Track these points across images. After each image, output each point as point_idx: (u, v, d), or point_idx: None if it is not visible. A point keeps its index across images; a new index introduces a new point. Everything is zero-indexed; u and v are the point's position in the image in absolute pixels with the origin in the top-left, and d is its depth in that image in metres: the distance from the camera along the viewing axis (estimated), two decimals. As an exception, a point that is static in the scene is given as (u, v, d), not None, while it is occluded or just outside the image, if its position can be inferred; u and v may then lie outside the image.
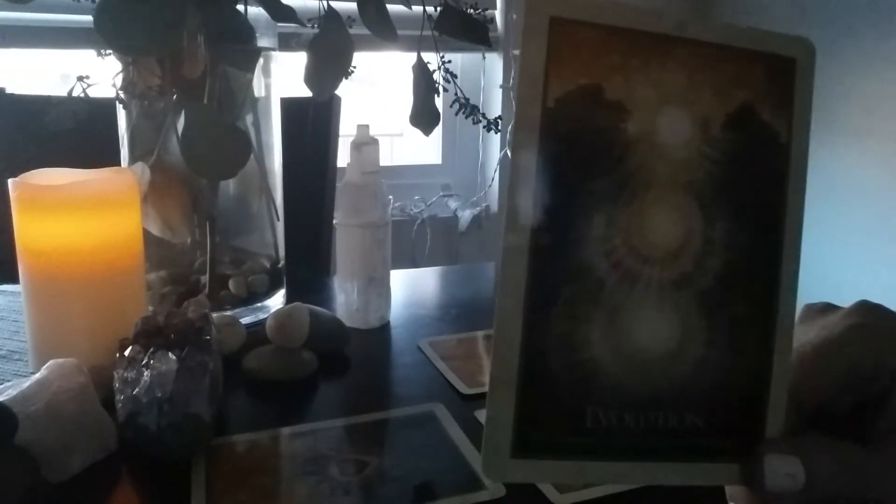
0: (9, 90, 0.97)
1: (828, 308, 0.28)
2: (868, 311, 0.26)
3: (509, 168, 0.22)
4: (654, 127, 0.23)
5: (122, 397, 0.43)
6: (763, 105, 0.24)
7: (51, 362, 0.44)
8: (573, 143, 0.22)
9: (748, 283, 0.24)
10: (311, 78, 0.59)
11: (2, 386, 0.42)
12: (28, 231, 0.49)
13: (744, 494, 0.26)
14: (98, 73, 0.58)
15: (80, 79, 0.58)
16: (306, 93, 0.59)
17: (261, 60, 0.61)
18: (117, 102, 0.59)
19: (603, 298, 0.23)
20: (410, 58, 0.64)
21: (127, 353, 0.45)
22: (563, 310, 0.23)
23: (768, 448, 0.24)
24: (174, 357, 0.43)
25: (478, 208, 1.57)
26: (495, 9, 1.52)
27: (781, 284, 0.25)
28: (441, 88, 0.66)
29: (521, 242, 0.22)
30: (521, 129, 0.22)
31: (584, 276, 0.23)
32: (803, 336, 0.27)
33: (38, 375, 0.43)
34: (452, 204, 1.58)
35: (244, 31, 0.58)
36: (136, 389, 0.42)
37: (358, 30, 0.60)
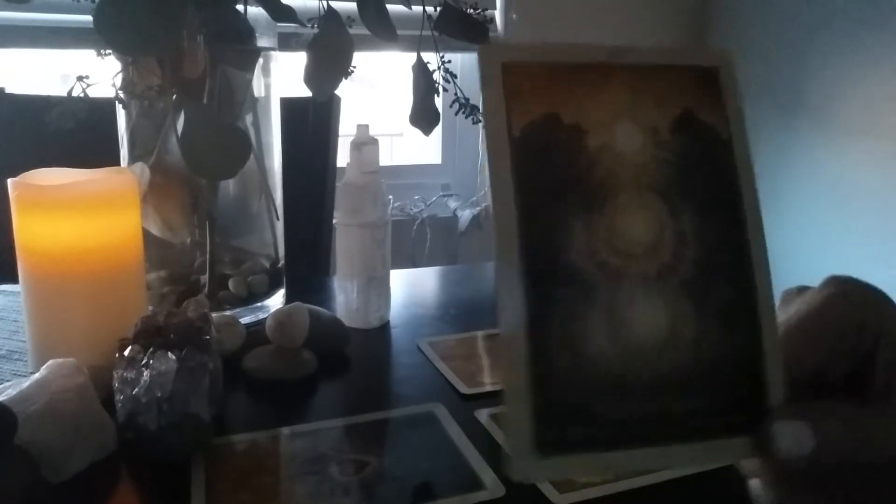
0: (8, 90, 0.97)
1: (803, 289, 0.30)
2: (841, 282, 0.28)
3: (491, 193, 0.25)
4: (612, 140, 0.26)
5: (121, 397, 0.43)
6: (701, 109, 0.27)
7: (50, 362, 0.44)
8: (543, 163, 0.25)
9: (725, 267, 0.27)
10: (311, 78, 0.59)
11: (1, 386, 0.42)
12: (28, 231, 0.49)
13: (759, 466, 0.27)
14: (98, 73, 0.58)
15: (80, 79, 0.58)
16: (306, 93, 0.59)
17: (260, 60, 0.61)
18: (117, 102, 0.59)
19: (595, 297, 0.25)
20: (410, 58, 0.64)
21: (126, 352, 0.45)
22: (560, 312, 0.25)
23: (775, 416, 0.25)
24: (174, 357, 0.43)
25: (477, 208, 1.57)
26: (495, 9, 1.52)
27: (754, 265, 0.27)
28: (441, 88, 0.66)
29: (511, 257, 0.24)
30: (495, 158, 0.25)
31: (575, 278, 0.25)
32: (785, 315, 0.28)
33: (37, 375, 0.43)
34: (452, 204, 1.58)
35: (244, 31, 0.58)
36: (136, 389, 0.42)
37: (358, 30, 0.60)
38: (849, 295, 0.28)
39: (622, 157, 0.26)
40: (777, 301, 0.29)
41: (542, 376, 0.24)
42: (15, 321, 0.64)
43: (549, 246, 0.25)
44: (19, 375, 0.53)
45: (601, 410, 0.25)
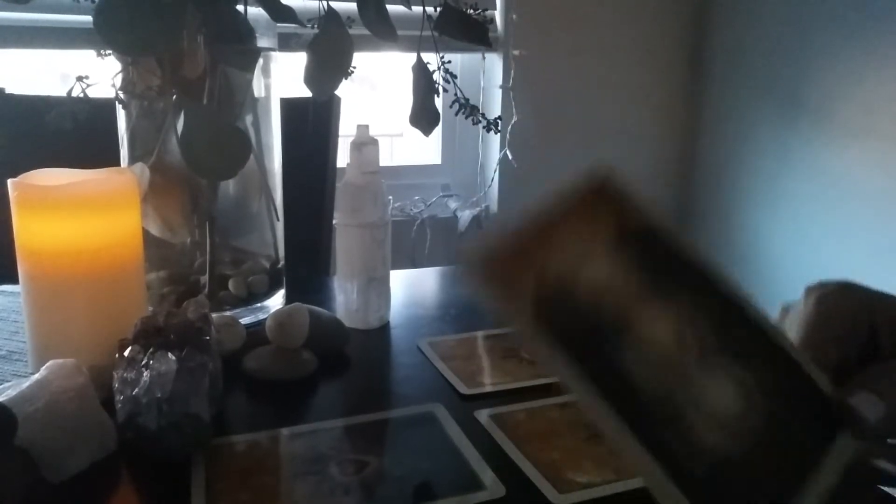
0: (8, 90, 0.97)
1: (789, 305, 0.35)
2: (826, 290, 0.34)
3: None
4: (602, 276, 0.30)
5: (121, 397, 0.43)
6: (624, 222, 0.32)
7: (50, 362, 0.44)
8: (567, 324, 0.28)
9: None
10: (311, 78, 0.59)
11: (1, 386, 0.42)
12: (28, 231, 0.49)
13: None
14: (98, 74, 0.58)
15: (80, 79, 0.58)
16: (306, 93, 0.59)
17: (260, 60, 0.61)
18: (117, 103, 0.59)
19: (671, 399, 0.28)
20: (410, 58, 0.64)
21: (126, 353, 0.45)
22: (653, 415, 0.28)
23: (843, 398, 0.30)
24: (174, 357, 0.43)
25: (477, 208, 1.57)
26: (495, 9, 1.52)
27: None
28: (441, 89, 0.66)
29: (592, 398, 0.27)
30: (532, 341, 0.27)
31: (646, 388, 0.28)
32: (792, 327, 0.33)
33: (37, 376, 0.43)
34: (452, 204, 1.58)
35: (244, 31, 0.58)
36: (136, 390, 0.42)
37: (358, 30, 0.60)
38: (841, 299, 0.33)
39: (608, 293, 0.29)
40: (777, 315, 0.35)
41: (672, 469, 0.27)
42: (15, 321, 0.64)
43: (611, 380, 0.27)
44: (19, 376, 0.53)
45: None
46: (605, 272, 0.30)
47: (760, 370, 0.30)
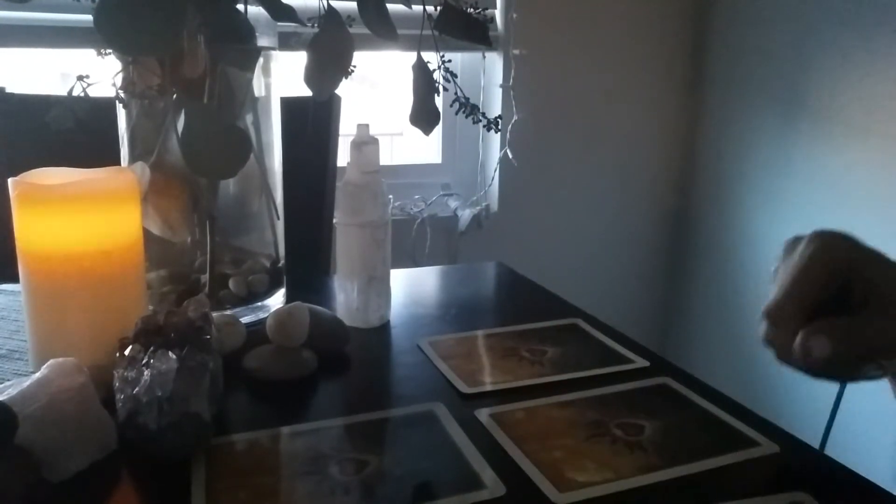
0: (9, 90, 0.97)
1: (798, 238, 0.42)
2: (823, 236, 0.40)
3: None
4: None
5: (122, 396, 0.43)
6: None
7: (51, 361, 0.44)
8: None
9: None
10: (311, 77, 0.59)
11: (2, 385, 0.42)
12: (28, 230, 0.49)
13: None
14: (98, 73, 0.58)
15: (80, 78, 0.58)
16: (306, 92, 0.59)
17: (261, 60, 0.61)
18: (117, 102, 0.59)
19: None
20: (410, 57, 0.64)
21: (127, 352, 0.45)
22: None
23: (804, 335, 0.39)
24: (174, 356, 0.43)
25: (478, 207, 1.57)
26: (495, 8, 1.52)
27: None
28: (441, 88, 0.66)
29: None
30: None
31: None
32: (789, 262, 0.41)
33: (38, 375, 0.43)
34: (452, 203, 1.58)
35: (244, 30, 0.57)
36: (136, 389, 0.42)
37: (358, 29, 0.60)
38: (830, 249, 0.40)
39: None
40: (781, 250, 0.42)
41: None
42: (15, 320, 0.64)
43: None
44: (20, 375, 0.53)
45: None
46: None
47: None
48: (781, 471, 0.44)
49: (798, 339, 0.38)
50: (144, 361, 0.43)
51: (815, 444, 0.47)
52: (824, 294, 0.40)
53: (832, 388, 0.44)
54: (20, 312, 0.63)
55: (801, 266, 0.40)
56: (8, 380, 0.47)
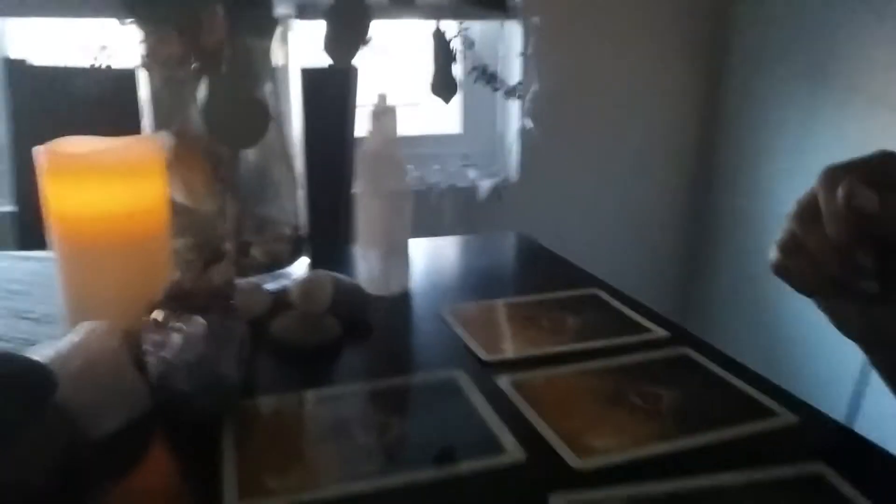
0: (30, 61, 0.97)
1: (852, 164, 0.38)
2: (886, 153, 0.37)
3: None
4: None
5: (152, 360, 0.44)
6: None
7: (84, 324, 0.45)
8: None
9: None
10: (330, 45, 0.59)
11: (36, 346, 0.44)
12: (58, 198, 0.50)
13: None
14: (118, 44, 0.58)
15: (103, 48, 0.58)
16: (325, 61, 0.59)
17: (279, 28, 0.61)
18: (140, 71, 0.59)
19: None
20: (428, 26, 0.63)
21: (155, 316, 0.46)
22: None
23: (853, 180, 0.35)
24: (202, 321, 0.44)
25: (497, 178, 1.56)
26: (515, -26, 1.49)
27: None
28: (460, 56, 0.65)
29: None
30: None
31: None
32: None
33: (72, 336, 0.44)
34: (472, 173, 1.58)
35: (263, -2, 0.57)
36: (166, 352, 0.43)
37: (378, -4, 0.59)
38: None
39: None
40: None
41: None
42: (48, 286, 0.65)
43: None
44: (53, 338, 0.55)
45: None
46: None
47: None
48: (800, 441, 0.44)
49: (840, 190, 0.35)
50: (173, 325, 0.44)
51: (836, 416, 0.47)
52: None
53: (854, 360, 0.43)
54: (52, 279, 0.65)
55: (811, 191, 0.38)
56: (42, 343, 0.49)
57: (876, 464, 0.42)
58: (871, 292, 0.37)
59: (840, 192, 0.35)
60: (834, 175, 0.36)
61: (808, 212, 0.37)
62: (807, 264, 0.38)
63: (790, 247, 0.39)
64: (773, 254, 0.40)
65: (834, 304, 0.42)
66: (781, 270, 0.39)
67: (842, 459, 0.42)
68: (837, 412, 0.46)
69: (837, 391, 1.27)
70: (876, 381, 0.42)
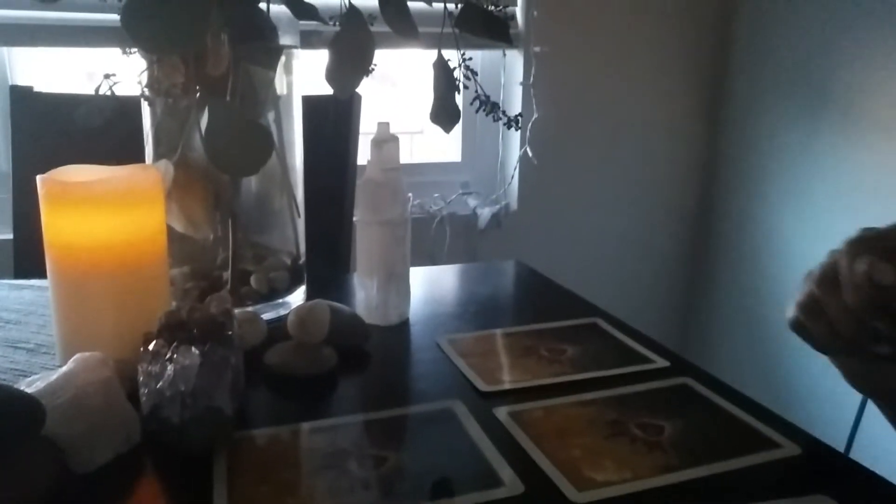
0: (36, 89, 0.98)
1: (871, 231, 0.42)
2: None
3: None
4: None
5: (146, 391, 0.44)
6: None
7: (77, 355, 0.45)
8: None
9: None
10: (333, 75, 0.59)
11: (30, 379, 0.43)
12: (55, 226, 0.50)
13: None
14: (123, 72, 0.59)
15: (107, 76, 0.59)
16: (328, 90, 0.60)
17: (283, 58, 0.62)
18: (142, 100, 0.60)
19: None
20: (431, 55, 0.64)
21: (151, 347, 0.45)
22: None
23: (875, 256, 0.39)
24: (197, 351, 0.44)
25: (497, 206, 1.57)
26: (516, 5, 1.51)
27: None
28: (461, 86, 0.66)
29: None
30: None
31: None
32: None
33: (64, 368, 0.44)
34: (472, 202, 1.58)
35: (267, 28, 0.58)
36: (160, 383, 0.43)
37: (379, 27, 0.60)
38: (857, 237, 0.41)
39: None
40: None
41: None
42: (42, 315, 0.65)
43: None
44: (47, 369, 0.54)
45: None
46: None
47: None
48: (803, 473, 0.44)
49: (861, 265, 0.39)
50: (168, 356, 0.44)
51: (838, 448, 0.46)
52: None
53: (856, 393, 0.44)
54: (47, 308, 0.64)
55: (832, 259, 0.41)
56: (35, 374, 0.48)
57: (879, 495, 0.42)
58: (883, 355, 0.40)
59: (860, 266, 0.39)
60: (856, 246, 0.40)
61: (829, 277, 0.40)
62: (824, 325, 0.40)
63: (809, 308, 0.41)
64: (791, 312, 0.42)
65: (847, 363, 0.45)
66: (799, 329, 0.42)
67: (845, 491, 0.41)
68: (839, 440, 0.46)
69: (840, 423, 1.25)
70: (874, 411, 0.43)
